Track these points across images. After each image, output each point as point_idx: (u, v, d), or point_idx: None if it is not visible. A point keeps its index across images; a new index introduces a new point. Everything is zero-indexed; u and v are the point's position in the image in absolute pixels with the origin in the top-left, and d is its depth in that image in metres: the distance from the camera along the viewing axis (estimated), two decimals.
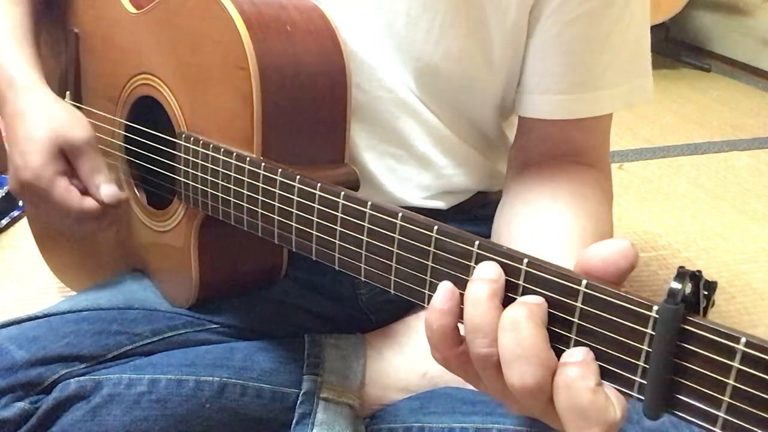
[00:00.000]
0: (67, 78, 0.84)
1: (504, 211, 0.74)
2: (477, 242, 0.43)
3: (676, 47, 2.95)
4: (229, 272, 0.74)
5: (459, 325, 0.43)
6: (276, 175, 0.56)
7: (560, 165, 0.74)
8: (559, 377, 0.39)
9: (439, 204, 0.80)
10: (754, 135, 2.13)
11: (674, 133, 2.11)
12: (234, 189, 0.61)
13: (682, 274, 0.35)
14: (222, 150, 0.62)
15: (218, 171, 0.62)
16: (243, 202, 0.60)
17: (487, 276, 0.41)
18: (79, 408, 0.64)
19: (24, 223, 1.40)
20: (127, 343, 0.69)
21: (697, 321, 0.35)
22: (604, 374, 0.39)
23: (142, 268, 0.80)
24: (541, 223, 0.68)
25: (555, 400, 0.39)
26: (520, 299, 0.41)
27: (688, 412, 0.36)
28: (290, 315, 0.77)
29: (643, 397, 0.37)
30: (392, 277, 0.48)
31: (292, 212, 0.55)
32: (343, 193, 0.50)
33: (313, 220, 0.53)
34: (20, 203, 1.42)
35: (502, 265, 0.42)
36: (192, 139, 0.65)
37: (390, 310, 0.80)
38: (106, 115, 0.79)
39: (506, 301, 0.41)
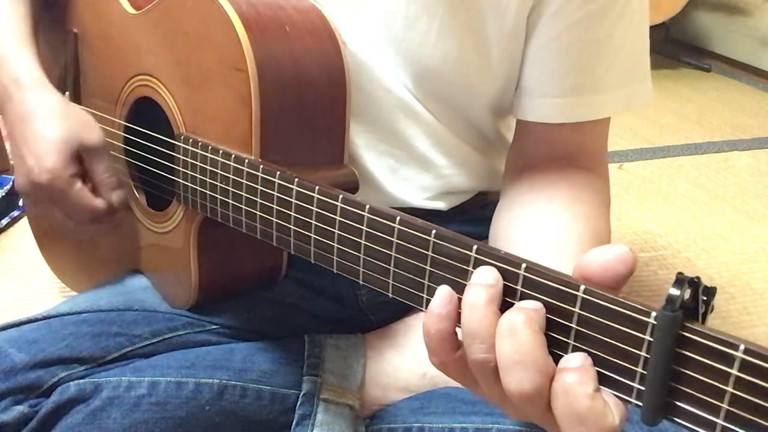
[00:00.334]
0: (66, 78, 0.84)
1: (501, 214, 0.74)
2: (475, 246, 0.43)
3: (676, 47, 2.95)
4: (228, 273, 0.74)
5: (457, 329, 0.43)
6: (274, 177, 0.56)
7: (558, 168, 0.74)
8: (557, 383, 0.38)
9: (440, 205, 0.80)
10: (754, 135, 2.13)
11: (674, 133, 2.11)
12: (232, 191, 0.61)
13: (680, 281, 0.35)
14: (220, 152, 0.62)
15: (217, 173, 0.62)
16: (241, 204, 0.60)
17: (484, 281, 0.41)
18: (79, 411, 0.64)
19: (24, 223, 1.40)
20: (127, 344, 0.69)
21: (695, 328, 0.35)
22: (602, 380, 0.39)
23: (141, 269, 0.80)
24: (539, 226, 0.68)
25: (553, 406, 0.38)
26: (518, 304, 0.41)
27: (687, 419, 0.36)
28: (290, 316, 0.77)
29: (641, 403, 0.37)
30: (390, 281, 0.48)
31: (291, 215, 0.55)
32: (341, 196, 0.50)
33: (311, 223, 0.53)
34: (20, 203, 1.42)
35: (500, 269, 0.42)
36: (191, 140, 0.65)
37: (390, 311, 0.80)
38: (105, 115, 0.79)
39: (504, 306, 0.41)
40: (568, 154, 0.75)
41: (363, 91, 0.71)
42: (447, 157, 0.78)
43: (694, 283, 0.35)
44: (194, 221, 0.69)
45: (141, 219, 0.77)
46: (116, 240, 0.83)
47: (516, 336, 0.39)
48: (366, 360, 0.74)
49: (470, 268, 0.43)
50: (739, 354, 0.33)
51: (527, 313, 0.39)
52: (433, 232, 0.44)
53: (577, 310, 0.39)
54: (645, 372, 0.37)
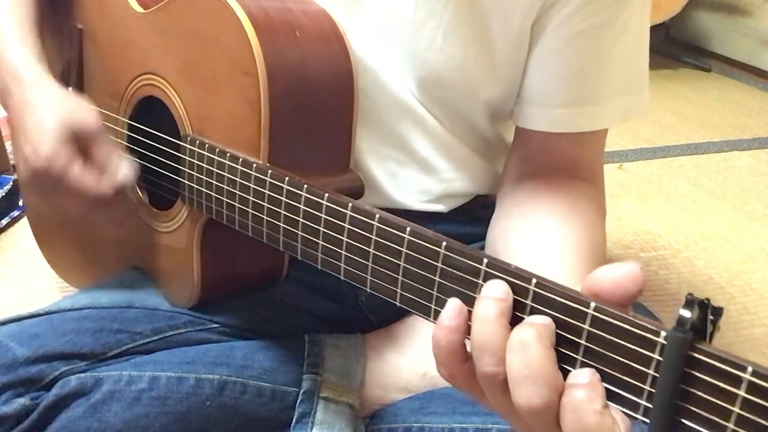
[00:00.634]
0: (69, 73, 0.84)
1: (499, 223, 0.75)
2: (485, 260, 0.43)
3: (676, 47, 2.94)
4: (230, 274, 0.74)
5: (466, 341, 0.44)
6: (283, 183, 0.56)
7: (556, 179, 0.74)
8: (566, 399, 0.39)
9: (439, 207, 0.80)
10: (754, 135, 2.13)
11: (674, 133, 2.11)
12: (239, 195, 0.61)
13: (690, 302, 0.35)
14: (228, 155, 0.62)
15: (224, 176, 0.62)
16: (248, 208, 0.60)
17: (495, 295, 0.42)
18: (80, 404, 0.64)
19: (24, 223, 1.39)
20: (128, 341, 0.70)
21: (704, 349, 0.35)
22: (610, 396, 0.39)
23: (143, 267, 0.80)
24: (537, 236, 0.68)
25: (561, 422, 0.39)
26: (528, 319, 0.41)
27: None
28: (291, 315, 0.77)
29: (648, 421, 0.38)
30: (398, 290, 0.48)
31: (299, 221, 0.55)
32: (350, 204, 0.50)
33: (319, 229, 0.53)
34: (20, 203, 1.41)
35: (510, 284, 0.42)
36: (198, 142, 0.65)
37: (390, 311, 0.80)
38: (109, 113, 0.79)
39: (514, 320, 0.42)
40: (567, 163, 0.76)
41: (366, 94, 0.71)
42: (449, 162, 0.79)
43: (704, 305, 0.36)
44: (198, 222, 0.69)
45: (144, 217, 0.77)
46: (118, 238, 0.83)
47: (527, 351, 0.39)
48: (366, 359, 0.75)
49: (480, 281, 0.43)
50: (747, 376, 0.34)
51: (538, 328, 0.40)
52: (444, 244, 0.45)
53: (586, 326, 0.39)
54: (653, 390, 0.37)
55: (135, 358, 0.69)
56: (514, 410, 0.41)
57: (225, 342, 0.73)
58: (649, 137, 2.06)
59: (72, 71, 0.83)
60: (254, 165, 0.59)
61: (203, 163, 0.65)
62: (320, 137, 0.65)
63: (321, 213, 0.53)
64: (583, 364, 0.40)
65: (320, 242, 0.54)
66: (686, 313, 0.35)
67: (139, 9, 0.73)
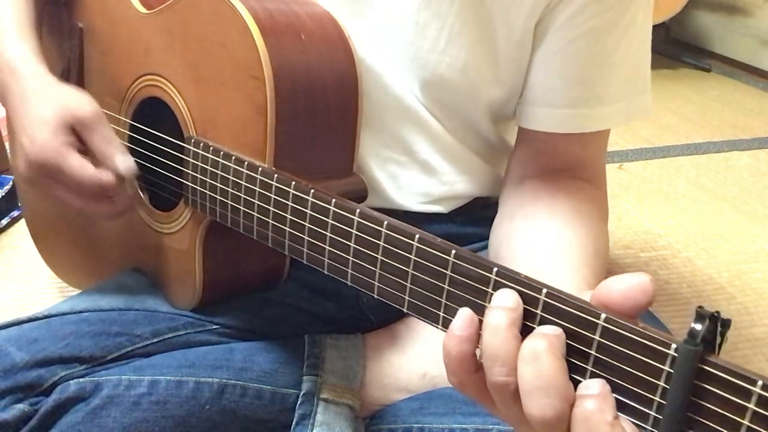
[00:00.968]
0: (70, 72, 0.83)
1: (503, 225, 0.75)
2: (495, 269, 0.43)
3: (676, 47, 2.94)
4: (232, 275, 0.74)
5: (476, 350, 0.44)
6: (289, 187, 0.56)
7: (559, 180, 0.74)
8: (577, 409, 0.39)
9: (439, 208, 0.80)
10: (754, 135, 2.13)
11: (674, 133, 2.12)
12: (244, 198, 0.61)
13: (701, 315, 0.35)
14: (233, 158, 0.61)
15: (228, 179, 0.62)
16: (253, 211, 0.60)
17: (505, 304, 0.42)
18: (79, 410, 0.64)
19: (24, 222, 1.38)
20: (127, 344, 0.69)
21: (715, 362, 0.35)
22: (620, 407, 0.39)
23: (143, 268, 0.80)
24: (541, 238, 0.68)
25: None
26: (539, 329, 0.41)
27: None
28: (291, 316, 0.77)
29: None
30: (406, 297, 0.48)
31: (305, 226, 0.55)
32: (358, 210, 0.50)
33: (326, 235, 0.53)
34: (20, 203, 1.41)
35: (520, 293, 0.42)
36: (202, 144, 0.65)
37: (390, 311, 0.79)
38: (110, 113, 0.78)
39: (524, 330, 0.41)
40: (569, 164, 0.76)
41: (369, 96, 0.71)
42: (450, 164, 0.79)
43: (714, 318, 0.36)
44: (201, 224, 0.69)
45: (145, 218, 0.77)
46: (118, 238, 0.83)
47: (539, 362, 0.39)
48: (366, 360, 0.75)
49: (490, 290, 0.43)
50: (757, 389, 0.34)
51: (549, 339, 0.40)
52: (453, 252, 0.44)
53: (597, 337, 0.39)
54: (663, 401, 0.37)
55: (134, 362, 0.68)
56: (524, 419, 0.41)
57: (225, 344, 0.73)
58: (649, 137, 2.06)
59: (72, 70, 0.83)
60: (260, 168, 0.59)
61: (207, 165, 0.64)
62: (325, 140, 0.65)
63: (328, 218, 0.53)
64: (593, 375, 0.40)
65: (327, 248, 0.53)
66: (698, 326, 0.35)
67: (143, 9, 0.72)
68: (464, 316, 0.43)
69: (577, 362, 0.40)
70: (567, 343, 0.40)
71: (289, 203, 0.56)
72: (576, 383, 0.40)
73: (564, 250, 0.66)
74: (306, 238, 0.55)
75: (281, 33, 0.61)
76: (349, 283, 0.53)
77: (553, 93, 0.73)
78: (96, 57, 0.81)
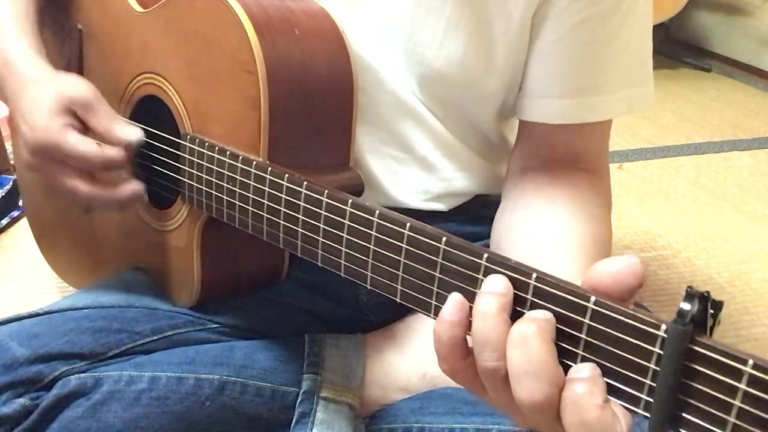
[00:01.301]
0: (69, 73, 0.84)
1: (504, 217, 0.74)
2: (485, 255, 0.43)
3: (676, 47, 2.94)
4: (230, 273, 0.74)
5: (467, 336, 0.44)
6: (283, 180, 0.56)
7: (559, 170, 0.74)
8: (566, 393, 0.39)
9: (439, 206, 0.80)
10: (754, 135, 2.13)
11: (674, 133, 2.12)
12: (239, 192, 0.61)
13: (691, 295, 0.35)
14: (228, 153, 0.62)
15: (223, 174, 0.62)
16: (248, 205, 0.60)
17: (495, 290, 0.42)
18: (80, 405, 0.64)
19: (24, 223, 1.39)
20: (128, 341, 0.69)
21: (705, 342, 0.35)
22: (611, 391, 0.39)
23: (143, 266, 0.80)
24: (540, 228, 0.68)
25: (562, 416, 0.39)
26: (529, 314, 0.41)
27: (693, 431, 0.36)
28: (290, 315, 0.77)
29: (648, 415, 0.38)
30: (399, 287, 0.48)
31: (299, 218, 0.55)
32: (350, 201, 0.50)
33: (319, 226, 0.53)
34: (20, 203, 1.41)
35: (511, 278, 0.42)
36: (197, 140, 0.65)
37: (390, 311, 0.80)
38: None
39: (514, 315, 0.42)
40: (570, 155, 0.76)
41: (367, 93, 0.71)
42: (449, 160, 0.78)
43: (704, 298, 0.36)
44: (199, 221, 0.69)
45: (143, 216, 0.77)
46: (118, 237, 0.83)
47: (528, 346, 0.39)
48: (366, 359, 0.75)
49: (480, 276, 0.43)
50: (748, 369, 0.34)
51: (539, 323, 0.40)
52: (444, 239, 0.45)
53: (587, 321, 0.39)
54: (653, 384, 0.37)
55: (135, 358, 0.68)
56: (515, 405, 0.41)
57: (225, 342, 0.73)
58: (649, 137, 2.06)
59: (72, 71, 0.83)
60: (254, 162, 0.59)
61: (203, 161, 0.65)
62: (320, 135, 0.65)
63: (321, 210, 0.53)
64: (584, 359, 0.40)
65: (320, 239, 0.54)
66: (686, 306, 0.35)
67: (139, 8, 0.73)
68: (455, 301, 0.43)
69: (567, 347, 0.40)
70: (557, 328, 0.40)
71: (283, 196, 0.56)
72: (567, 368, 0.40)
73: (563, 238, 0.66)
74: (300, 230, 0.55)
75: (275, 28, 0.61)
76: (342, 275, 0.53)
77: (551, 84, 0.73)
78: (95, 58, 0.81)
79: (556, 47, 0.72)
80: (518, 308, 0.42)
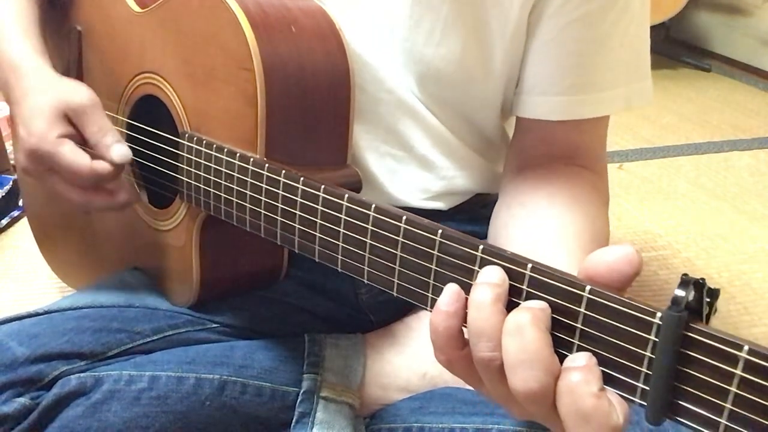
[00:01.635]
0: (69, 75, 0.84)
1: (501, 214, 0.75)
2: (481, 246, 0.43)
3: (676, 47, 2.95)
4: (229, 272, 0.74)
5: (463, 327, 0.44)
6: (279, 176, 0.56)
7: (557, 167, 0.74)
8: (562, 382, 0.39)
9: (439, 205, 0.80)
10: (754, 135, 2.13)
11: (674, 133, 2.12)
12: (237, 189, 0.61)
13: (685, 282, 0.35)
14: (225, 150, 0.62)
15: (221, 171, 0.62)
16: (246, 202, 0.60)
17: (490, 280, 0.42)
18: (79, 404, 0.64)
19: (24, 223, 1.39)
20: (128, 341, 0.70)
21: (700, 328, 0.35)
22: (607, 380, 0.39)
23: (142, 266, 0.80)
24: (539, 225, 0.68)
25: (558, 405, 0.39)
26: (524, 304, 0.41)
27: (690, 419, 0.36)
28: (290, 315, 0.77)
29: (645, 403, 0.38)
30: (395, 280, 0.48)
31: (296, 214, 0.55)
32: (347, 195, 0.51)
33: (316, 222, 0.53)
34: (20, 203, 1.42)
35: (506, 269, 0.42)
36: (195, 138, 0.65)
37: (390, 311, 0.80)
38: (109, 113, 0.79)
39: (510, 306, 0.42)
40: (568, 152, 0.76)
41: (365, 91, 0.71)
42: (448, 159, 0.79)
43: (699, 285, 0.36)
44: (197, 219, 0.69)
45: (142, 216, 0.77)
46: (117, 237, 0.83)
47: (523, 335, 0.39)
48: (366, 359, 0.75)
49: (476, 268, 0.43)
50: (743, 354, 0.34)
51: (534, 312, 0.40)
52: (440, 231, 0.45)
53: (582, 310, 0.39)
54: (649, 372, 0.37)
55: (135, 358, 0.69)
56: (511, 396, 0.41)
57: (225, 342, 0.73)
58: (649, 137, 2.06)
59: (72, 73, 0.84)
60: (251, 159, 0.59)
61: (201, 159, 0.65)
62: (317, 132, 0.66)
63: (318, 205, 0.53)
64: (580, 348, 0.40)
65: (317, 234, 0.54)
66: (681, 293, 0.35)
67: (137, 8, 0.73)
68: (451, 291, 0.43)
69: (563, 336, 0.40)
70: (553, 318, 0.40)
71: (280, 192, 0.56)
72: (563, 358, 0.40)
73: (561, 235, 0.66)
74: (297, 226, 0.56)
75: (272, 25, 0.62)
76: (339, 269, 0.53)
77: (548, 80, 0.73)
78: (94, 58, 0.82)
79: (552, 44, 0.72)
80: (514, 299, 0.42)
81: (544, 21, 0.71)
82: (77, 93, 0.68)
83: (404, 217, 0.47)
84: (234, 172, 0.61)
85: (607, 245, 0.71)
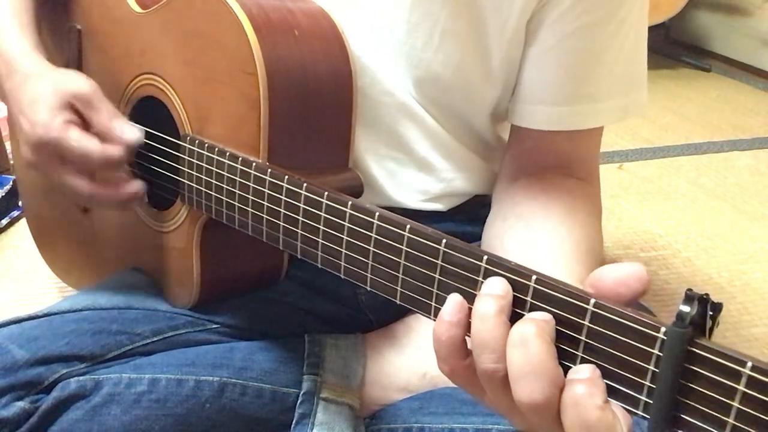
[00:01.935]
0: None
1: (496, 224, 0.75)
2: (485, 257, 0.43)
3: (676, 47, 2.95)
4: (230, 273, 0.74)
5: (466, 337, 0.44)
6: (282, 181, 0.56)
7: (551, 178, 0.74)
8: (566, 394, 0.39)
9: (439, 206, 0.80)
10: (754, 135, 2.13)
11: (674, 133, 2.12)
12: (239, 194, 0.61)
13: (690, 297, 0.35)
14: (227, 154, 0.62)
15: (223, 175, 0.62)
16: (248, 207, 0.60)
17: (494, 292, 0.42)
18: (79, 407, 0.64)
19: (24, 223, 1.38)
20: (128, 342, 0.69)
21: (704, 344, 0.35)
22: (610, 392, 0.39)
23: (142, 267, 0.80)
24: (535, 237, 0.68)
25: (562, 417, 0.39)
26: (528, 315, 0.41)
27: None
28: (290, 315, 0.77)
29: (648, 416, 0.38)
30: (398, 288, 0.48)
31: (298, 219, 0.55)
32: (350, 202, 0.50)
33: (319, 228, 0.53)
34: (20, 203, 1.42)
35: (510, 280, 0.42)
36: (197, 141, 0.65)
37: (390, 311, 0.80)
38: None
39: (514, 317, 0.42)
40: (562, 162, 0.76)
41: (365, 94, 0.71)
42: (448, 161, 0.79)
43: (704, 300, 0.36)
44: (198, 221, 0.69)
45: (143, 217, 0.77)
46: (118, 237, 0.83)
47: (527, 346, 0.39)
48: (366, 359, 0.75)
49: (480, 278, 0.43)
50: (747, 371, 0.34)
51: (538, 324, 0.40)
52: (444, 241, 0.45)
53: (586, 323, 0.39)
54: (653, 386, 0.37)
55: (134, 360, 0.68)
56: (514, 407, 0.41)
57: (225, 343, 0.73)
58: (649, 137, 2.06)
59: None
60: (254, 164, 0.59)
61: (203, 162, 0.65)
62: (319, 136, 0.65)
63: (321, 211, 0.53)
64: (583, 361, 0.40)
65: (320, 240, 0.54)
66: (686, 309, 0.35)
67: (138, 9, 0.73)
68: (454, 301, 0.43)
69: (567, 348, 0.40)
70: (557, 330, 0.40)
71: (283, 197, 0.56)
72: (566, 370, 0.40)
73: (558, 250, 0.66)
74: (299, 231, 0.55)
75: (274, 29, 0.61)
76: (342, 276, 0.53)
77: (545, 90, 0.73)
78: (94, 58, 0.81)
79: (550, 54, 0.72)
80: (518, 310, 0.42)
81: (542, 30, 0.71)
82: (78, 81, 0.68)
83: (408, 226, 0.47)
84: (236, 176, 0.61)
85: (603, 257, 0.71)
